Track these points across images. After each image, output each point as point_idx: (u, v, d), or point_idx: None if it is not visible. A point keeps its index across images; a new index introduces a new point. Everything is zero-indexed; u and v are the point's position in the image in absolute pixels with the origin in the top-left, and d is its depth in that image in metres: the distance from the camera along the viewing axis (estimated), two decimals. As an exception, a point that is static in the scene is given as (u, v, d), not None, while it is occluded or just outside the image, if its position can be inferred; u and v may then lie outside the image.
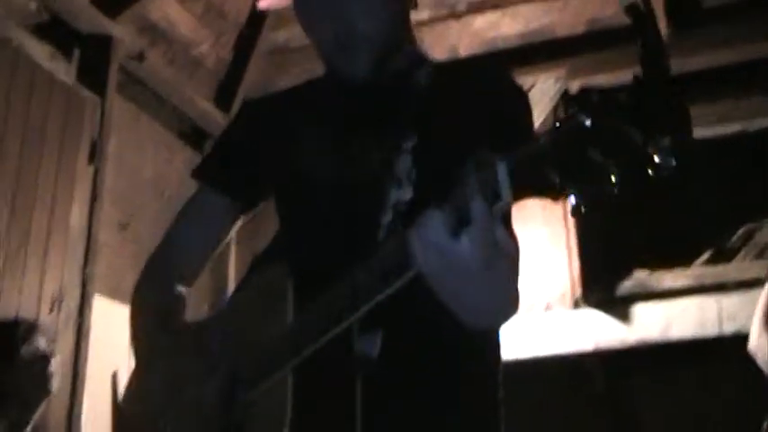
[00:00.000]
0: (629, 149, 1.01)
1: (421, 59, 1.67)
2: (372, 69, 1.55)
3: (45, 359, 2.93)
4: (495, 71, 1.74)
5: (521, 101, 1.62)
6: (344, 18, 1.52)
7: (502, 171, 1.10)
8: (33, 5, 3.98)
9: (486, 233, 1.15)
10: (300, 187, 1.60)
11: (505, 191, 1.10)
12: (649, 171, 1.02)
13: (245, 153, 1.70)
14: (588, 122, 1.02)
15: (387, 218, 1.46)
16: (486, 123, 1.50)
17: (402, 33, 1.64)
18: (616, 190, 1.03)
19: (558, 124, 1.07)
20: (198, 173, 1.75)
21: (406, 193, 1.46)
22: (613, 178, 1.03)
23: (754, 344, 2.84)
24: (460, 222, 1.15)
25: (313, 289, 1.34)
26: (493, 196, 1.12)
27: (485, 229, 1.14)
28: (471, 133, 1.46)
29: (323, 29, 1.56)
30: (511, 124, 1.53)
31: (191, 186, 1.76)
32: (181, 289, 1.69)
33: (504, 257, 1.23)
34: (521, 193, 1.13)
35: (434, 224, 1.17)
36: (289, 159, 1.62)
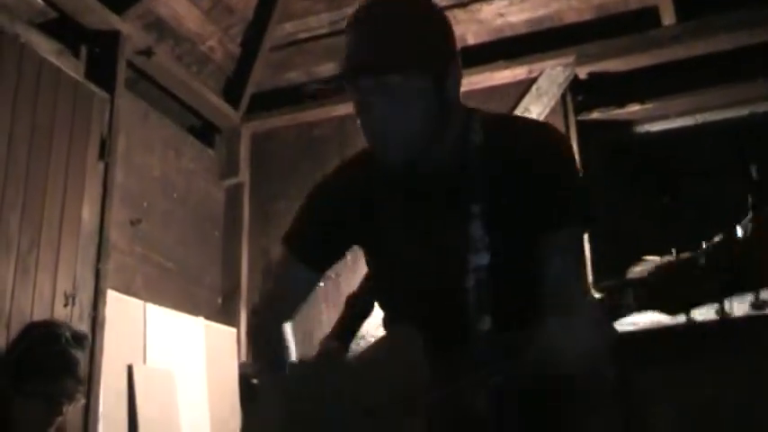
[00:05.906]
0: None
1: (469, 122, 1.76)
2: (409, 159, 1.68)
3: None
4: (542, 136, 1.78)
5: (565, 167, 1.74)
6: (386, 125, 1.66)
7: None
8: (40, 3, 3.99)
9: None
10: (385, 260, 1.81)
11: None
12: None
13: (328, 232, 1.89)
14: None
15: (470, 282, 1.63)
16: (538, 186, 1.66)
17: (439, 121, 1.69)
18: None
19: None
20: (287, 242, 1.96)
21: (483, 259, 1.64)
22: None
23: None
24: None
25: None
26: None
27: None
28: (528, 195, 1.65)
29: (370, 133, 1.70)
30: (554, 190, 1.68)
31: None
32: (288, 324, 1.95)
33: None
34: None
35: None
36: (371, 235, 1.82)
